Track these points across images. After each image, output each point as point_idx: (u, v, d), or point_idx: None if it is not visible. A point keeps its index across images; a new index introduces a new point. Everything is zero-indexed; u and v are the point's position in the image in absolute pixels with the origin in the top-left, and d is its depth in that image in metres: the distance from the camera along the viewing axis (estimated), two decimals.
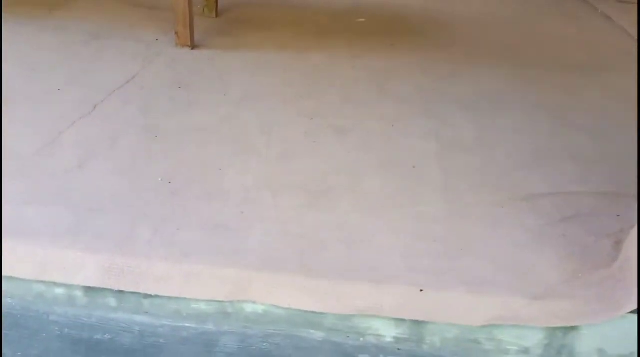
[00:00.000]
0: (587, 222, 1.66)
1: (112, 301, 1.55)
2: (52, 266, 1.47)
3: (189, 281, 1.46)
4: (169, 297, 1.51)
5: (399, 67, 2.80)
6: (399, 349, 1.49)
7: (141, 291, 1.46)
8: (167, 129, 2.13)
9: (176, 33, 2.85)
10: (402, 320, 1.45)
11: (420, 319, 1.40)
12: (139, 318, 1.55)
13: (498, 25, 3.42)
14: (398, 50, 3.06)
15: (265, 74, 2.67)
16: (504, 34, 3.27)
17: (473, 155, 2.03)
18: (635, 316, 1.36)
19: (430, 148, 2.07)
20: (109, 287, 1.47)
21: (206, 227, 1.61)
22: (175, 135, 2.09)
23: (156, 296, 1.51)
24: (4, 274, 1.48)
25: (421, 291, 1.40)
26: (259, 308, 1.50)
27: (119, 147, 1.98)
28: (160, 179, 1.81)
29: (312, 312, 1.47)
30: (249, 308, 1.51)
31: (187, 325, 1.54)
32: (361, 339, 1.51)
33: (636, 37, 3.16)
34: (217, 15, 3.43)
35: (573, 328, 1.39)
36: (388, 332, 1.49)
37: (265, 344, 1.50)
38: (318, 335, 1.51)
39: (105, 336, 1.51)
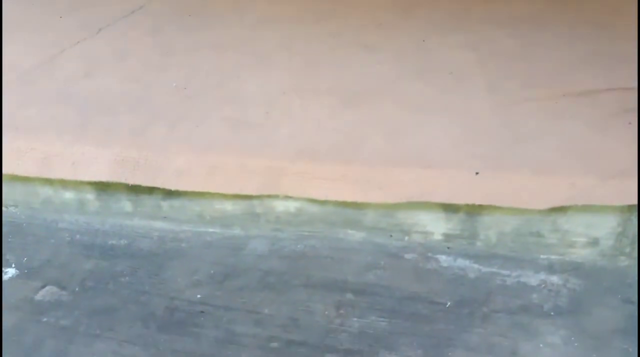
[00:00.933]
0: None
1: (127, 205, 1.39)
2: (58, 161, 1.31)
3: (213, 174, 1.29)
4: (190, 198, 1.35)
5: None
6: (448, 247, 1.32)
7: (159, 185, 1.30)
8: (179, 47, 1.97)
9: None
10: (454, 212, 1.28)
11: (477, 202, 1.22)
12: (157, 224, 1.39)
13: None
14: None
15: (283, 4, 2.49)
16: None
17: (517, 61, 1.84)
18: None
19: (469, 57, 1.89)
20: (123, 181, 1.30)
21: (228, 124, 1.45)
22: (189, 51, 1.93)
23: (176, 197, 1.35)
24: (4, 171, 1.32)
25: (477, 173, 1.23)
26: (292, 206, 1.34)
27: (128, 61, 1.83)
28: (174, 85, 1.65)
29: (351, 208, 1.30)
30: (280, 207, 1.35)
31: (210, 230, 1.37)
32: (406, 237, 1.34)
33: None
34: None
35: None
36: (437, 229, 1.31)
37: (299, 246, 1.34)
38: (358, 235, 1.35)
39: (121, 241, 1.35)
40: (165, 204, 1.37)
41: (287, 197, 1.31)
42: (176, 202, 1.36)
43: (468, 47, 1.97)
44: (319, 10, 2.39)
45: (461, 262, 1.30)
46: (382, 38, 2.07)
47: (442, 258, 1.31)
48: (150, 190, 1.34)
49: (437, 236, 1.32)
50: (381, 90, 1.66)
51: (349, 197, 1.26)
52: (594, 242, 1.27)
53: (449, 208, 1.28)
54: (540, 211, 1.24)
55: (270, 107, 1.54)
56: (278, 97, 1.61)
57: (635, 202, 1.18)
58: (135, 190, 1.35)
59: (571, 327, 1.13)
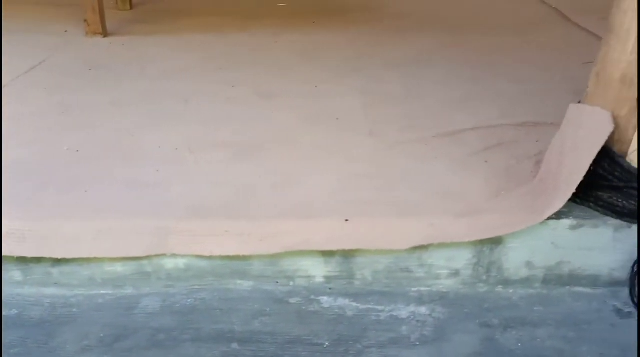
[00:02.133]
0: (509, 149, 1.67)
1: (16, 275, 1.41)
2: None
3: (99, 239, 1.34)
4: (80, 264, 1.39)
5: (323, 40, 2.78)
6: (330, 288, 1.43)
7: (46, 255, 1.33)
8: (77, 105, 2.01)
9: (85, 21, 2.73)
10: (331, 256, 1.40)
11: (348, 247, 1.34)
12: (48, 291, 1.42)
13: (423, 2, 3.47)
14: (321, 26, 3.05)
15: (185, 52, 2.59)
16: (429, 9, 3.33)
17: (399, 105, 2.02)
18: (559, 225, 1.36)
19: (355, 103, 2.05)
20: (9, 254, 1.33)
21: (118, 185, 1.51)
22: (86, 109, 1.98)
23: (66, 263, 1.39)
24: None
25: (347, 220, 1.35)
26: (181, 262, 1.41)
27: (22, 124, 1.85)
28: (66, 148, 1.69)
29: (239, 260, 1.39)
30: (169, 264, 1.41)
31: (102, 292, 1.42)
32: (291, 283, 1.44)
33: (552, 5, 3.30)
34: (131, 8, 3.33)
35: (499, 243, 1.38)
36: (318, 272, 1.42)
37: (190, 301, 1.41)
38: (246, 285, 1.43)
39: (12, 311, 1.37)
40: (56, 271, 1.41)
41: (174, 256, 1.38)
42: (66, 268, 1.40)
43: (356, 91, 2.13)
44: (221, 60, 2.49)
45: (341, 301, 1.41)
46: (279, 85, 2.19)
47: (324, 299, 1.41)
48: (39, 258, 1.38)
49: (319, 279, 1.43)
50: (274, 139, 1.77)
51: (232, 252, 1.35)
52: (456, 273, 1.42)
53: (327, 253, 1.39)
54: (407, 249, 1.37)
55: (162, 165, 1.62)
56: (170, 154, 1.68)
57: (486, 237, 1.34)
58: (25, 259, 1.38)
59: (434, 355, 1.26)
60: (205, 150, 1.69)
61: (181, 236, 1.36)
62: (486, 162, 1.60)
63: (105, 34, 2.77)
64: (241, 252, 1.35)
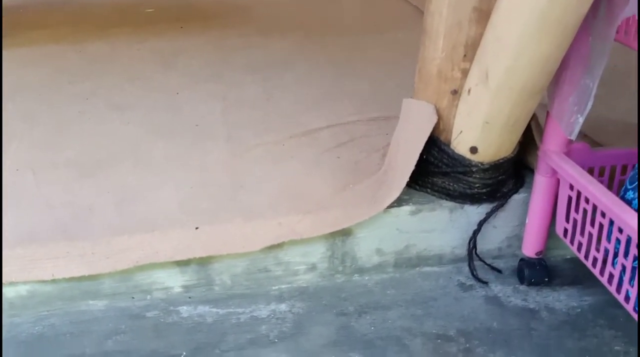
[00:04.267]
0: (360, 144, 1.76)
1: None
2: None
3: None
4: None
5: (188, 46, 2.75)
6: (189, 297, 1.42)
7: None
8: None
9: None
10: (187, 265, 1.39)
11: (199, 255, 1.34)
12: None
13: (291, 4, 3.53)
14: (188, 32, 3.01)
15: (36, 66, 2.44)
16: (297, 12, 3.39)
17: (257, 109, 2.04)
18: (401, 211, 1.45)
19: (215, 108, 2.04)
20: None
21: None
22: None
23: None
24: None
25: (197, 228, 1.35)
26: (23, 289, 1.33)
27: None
28: None
29: (87, 280, 1.34)
30: (10, 292, 1.33)
31: None
32: (148, 296, 1.41)
33: (413, 3, 3.49)
34: None
35: (349, 234, 1.45)
36: (175, 282, 1.41)
37: (37, 328, 1.33)
38: (100, 304, 1.38)
39: None
40: None
41: (13, 283, 1.30)
42: None
43: (217, 96, 2.12)
44: (76, 72, 2.38)
45: (201, 309, 1.40)
46: (136, 96, 2.13)
47: (184, 309, 1.40)
48: None
49: (177, 289, 1.42)
50: (123, 154, 1.72)
51: (76, 273, 1.29)
52: (313, 267, 1.47)
53: (181, 262, 1.38)
54: (262, 250, 1.40)
55: (1, 188, 1.51)
56: (10, 177, 1.58)
57: (332, 230, 1.40)
58: None
59: (291, 350, 1.30)
60: (48, 170, 1.60)
61: (19, 262, 1.28)
62: (338, 158, 1.67)
63: None
64: (87, 272, 1.30)
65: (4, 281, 1.28)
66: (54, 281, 1.31)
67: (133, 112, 2.00)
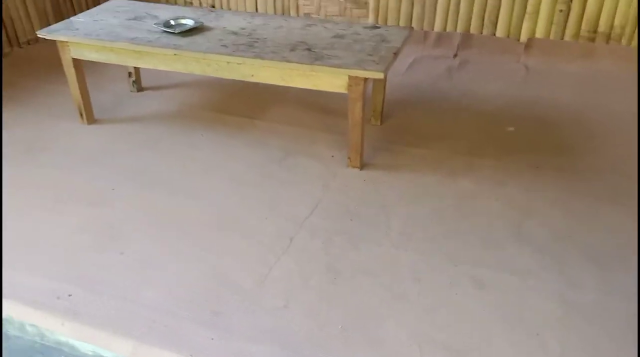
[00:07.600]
0: None
1: None
2: None
3: None
4: None
5: (540, 203, 3.14)
6: None
7: None
8: (343, 270, 2.77)
9: (349, 158, 3.51)
10: None
11: None
12: None
13: None
14: (542, 174, 3.38)
15: (417, 206, 3.19)
16: None
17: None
18: None
19: (554, 312, 2.46)
20: None
21: None
22: (349, 278, 2.74)
23: None
24: None
25: None
26: None
27: (309, 288, 2.69)
28: (340, 327, 2.49)
29: None
30: None
31: None
32: None
33: None
34: (381, 123, 4.02)
35: None
36: None
37: None
38: None
39: None
40: None
41: None
42: None
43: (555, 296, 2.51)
44: (449, 221, 3.03)
45: None
46: (491, 271, 2.68)
47: None
48: None
49: None
50: (472, 349, 2.33)
51: None
52: None
53: None
54: None
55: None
56: (404, 349, 2.37)
57: None
58: None
59: None
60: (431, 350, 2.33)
61: None
62: None
63: (362, 166, 3.55)
64: None
65: None
66: None
67: (489, 294, 2.58)
